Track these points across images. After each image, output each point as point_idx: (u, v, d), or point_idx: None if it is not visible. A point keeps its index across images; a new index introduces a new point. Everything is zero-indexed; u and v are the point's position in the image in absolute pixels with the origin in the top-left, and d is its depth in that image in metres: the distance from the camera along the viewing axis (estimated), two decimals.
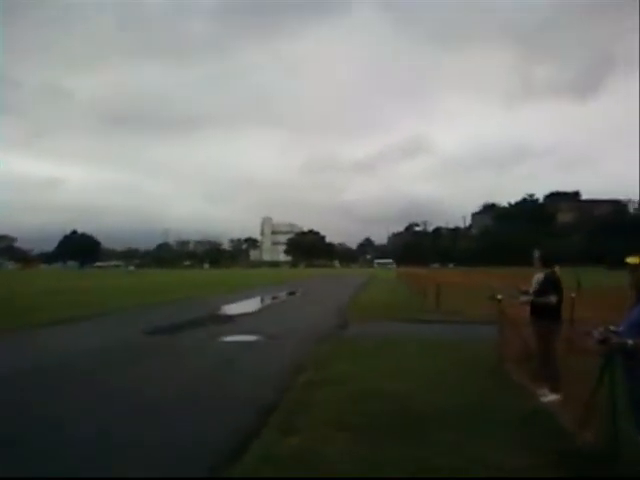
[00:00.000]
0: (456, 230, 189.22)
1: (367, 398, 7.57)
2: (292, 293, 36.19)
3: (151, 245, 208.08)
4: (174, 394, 8.29)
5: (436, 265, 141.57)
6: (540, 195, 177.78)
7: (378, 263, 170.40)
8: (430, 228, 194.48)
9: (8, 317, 18.72)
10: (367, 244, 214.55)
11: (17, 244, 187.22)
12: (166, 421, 6.99)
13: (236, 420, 6.93)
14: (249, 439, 6.04)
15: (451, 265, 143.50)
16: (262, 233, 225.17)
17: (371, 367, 9.78)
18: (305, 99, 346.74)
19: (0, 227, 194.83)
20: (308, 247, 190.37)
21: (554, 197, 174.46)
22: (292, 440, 5.93)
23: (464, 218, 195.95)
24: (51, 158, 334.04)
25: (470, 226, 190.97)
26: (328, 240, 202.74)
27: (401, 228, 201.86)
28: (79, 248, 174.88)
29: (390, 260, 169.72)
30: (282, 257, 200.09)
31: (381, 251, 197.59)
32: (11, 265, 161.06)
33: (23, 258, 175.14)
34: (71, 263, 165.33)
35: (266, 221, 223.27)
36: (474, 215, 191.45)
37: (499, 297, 10.57)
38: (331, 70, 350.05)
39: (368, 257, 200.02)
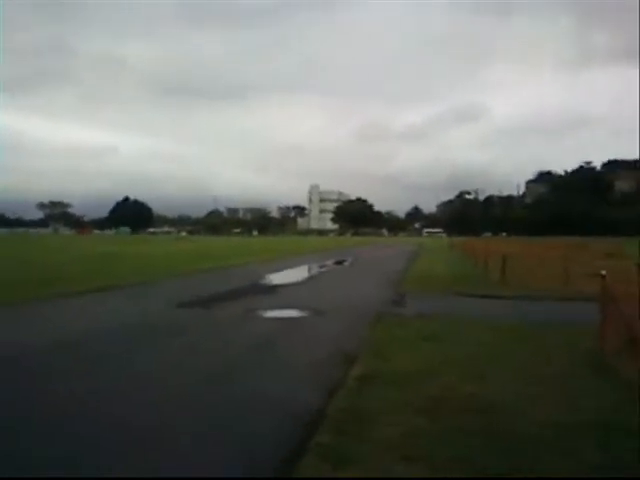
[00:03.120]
0: (509, 199, 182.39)
1: (442, 408, 5.62)
2: (340, 262, 34.38)
3: (201, 212, 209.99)
4: (182, 393, 6.45)
5: (488, 234, 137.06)
6: (598, 163, 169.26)
7: (427, 232, 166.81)
8: (482, 197, 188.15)
9: (51, 283, 17.63)
10: (416, 213, 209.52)
11: (71, 210, 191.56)
12: (152, 445, 5.12)
13: (262, 441, 5.03)
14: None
15: (503, 234, 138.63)
16: (310, 201, 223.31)
17: (440, 357, 7.79)
18: (356, 66, 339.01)
19: (55, 193, 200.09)
20: (355, 215, 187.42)
21: (612, 165, 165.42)
22: (342, 476, 4.09)
23: (518, 186, 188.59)
24: (105, 126, 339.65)
25: (524, 195, 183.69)
26: (376, 208, 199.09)
27: (451, 196, 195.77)
28: (131, 214, 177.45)
29: (440, 229, 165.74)
30: (329, 225, 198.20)
31: (430, 220, 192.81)
32: (66, 231, 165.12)
33: (77, 224, 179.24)
34: (123, 229, 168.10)
35: (314, 189, 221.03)
36: (528, 183, 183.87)
37: (603, 272, 8.43)
38: (383, 37, 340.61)
39: (416, 226, 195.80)
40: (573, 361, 7.72)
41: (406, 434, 4.94)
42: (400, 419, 5.31)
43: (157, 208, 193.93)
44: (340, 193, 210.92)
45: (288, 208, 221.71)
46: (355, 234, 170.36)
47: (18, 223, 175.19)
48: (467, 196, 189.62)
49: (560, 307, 13.46)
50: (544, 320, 11.12)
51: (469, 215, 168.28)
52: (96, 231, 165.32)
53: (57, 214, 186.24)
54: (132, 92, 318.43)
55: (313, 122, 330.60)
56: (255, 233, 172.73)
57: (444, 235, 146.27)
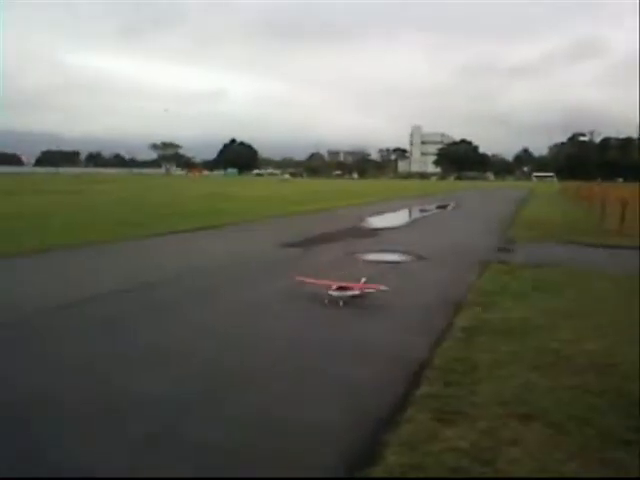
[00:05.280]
0: (628, 141, 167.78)
1: (558, 364, 5.26)
2: (443, 207, 33.44)
3: (303, 155, 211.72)
4: (279, 341, 6.40)
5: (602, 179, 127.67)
6: None
7: (536, 176, 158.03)
8: (597, 138, 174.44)
9: (163, 221, 19.03)
10: (524, 155, 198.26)
11: (181, 151, 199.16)
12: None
13: (367, 390, 4.94)
14: (380, 425, 4.10)
15: (620, 180, 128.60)
16: (411, 143, 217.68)
17: (555, 310, 7.30)
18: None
19: (167, 135, 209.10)
20: (459, 158, 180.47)
21: None
22: (448, 433, 3.91)
23: (638, 128, 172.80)
24: (214, 70, 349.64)
25: None
26: (481, 151, 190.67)
27: (564, 138, 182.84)
28: (238, 156, 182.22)
29: (550, 173, 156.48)
30: (431, 168, 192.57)
31: (540, 163, 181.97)
32: (177, 171, 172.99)
33: (187, 164, 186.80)
34: (231, 170, 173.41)
35: (415, 130, 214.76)
36: None
37: None
38: None
39: (525, 169, 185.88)
40: None
41: (519, 389, 4.66)
42: (512, 373, 5.03)
43: (262, 150, 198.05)
44: (443, 135, 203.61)
45: (388, 150, 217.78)
46: (458, 178, 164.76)
47: (132, 163, 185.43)
48: (581, 138, 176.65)
49: None
50: None
51: (583, 158, 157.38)
52: (205, 172, 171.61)
53: (169, 155, 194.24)
54: (241, 37, 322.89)
55: (417, 62, 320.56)
56: (355, 176, 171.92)
57: (555, 179, 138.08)
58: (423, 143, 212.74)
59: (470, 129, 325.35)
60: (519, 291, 8.46)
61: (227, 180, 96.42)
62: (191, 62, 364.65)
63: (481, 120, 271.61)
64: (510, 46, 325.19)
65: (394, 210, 28.94)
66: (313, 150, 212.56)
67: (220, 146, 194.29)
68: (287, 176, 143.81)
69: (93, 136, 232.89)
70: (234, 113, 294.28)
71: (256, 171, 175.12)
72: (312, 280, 8.28)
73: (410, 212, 28.93)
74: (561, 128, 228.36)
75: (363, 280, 8.22)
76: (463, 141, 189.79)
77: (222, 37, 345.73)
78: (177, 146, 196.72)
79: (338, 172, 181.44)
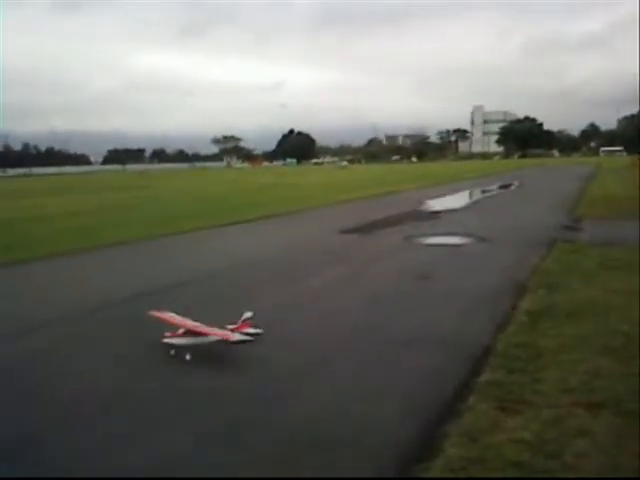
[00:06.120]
0: None
1: (630, 347, 4.91)
2: (505, 186, 32.38)
3: (361, 141, 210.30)
4: (338, 330, 6.39)
5: None
6: None
7: (604, 151, 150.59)
8: None
9: (229, 212, 19.48)
10: (591, 130, 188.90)
11: (242, 144, 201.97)
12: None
13: (427, 377, 4.87)
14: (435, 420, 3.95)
15: None
16: (472, 123, 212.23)
17: (625, 290, 6.85)
18: None
19: (227, 128, 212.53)
20: (522, 136, 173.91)
21: None
22: (511, 423, 3.70)
23: None
24: (270, 63, 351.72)
25: None
26: (546, 127, 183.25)
27: (634, 110, 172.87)
28: (296, 146, 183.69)
29: (619, 148, 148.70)
30: (493, 148, 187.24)
31: (608, 138, 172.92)
32: (238, 164, 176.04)
33: (247, 157, 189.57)
34: (290, 161, 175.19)
35: (477, 110, 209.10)
36: None
37: None
38: None
39: (592, 145, 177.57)
40: None
41: (587, 376, 4.39)
42: (580, 358, 4.75)
43: (319, 139, 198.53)
44: (505, 113, 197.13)
45: (448, 132, 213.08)
46: (522, 156, 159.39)
47: (195, 158, 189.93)
48: None
49: None
50: None
51: None
52: (265, 163, 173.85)
53: (230, 148, 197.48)
54: (295, 28, 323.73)
55: (475, 40, 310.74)
56: (414, 160, 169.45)
57: (624, 154, 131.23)
58: (485, 122, 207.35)
59: (534, 106, 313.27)
60: (586, 271, 8.04)
61: (286, 170, 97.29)
62: (248, 56, 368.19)
63: (545, 96, 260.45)
64: (575, 19, 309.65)
65: (454, 192, 28.29)
66: (371, 136, 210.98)
67: (279, 137, 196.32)
68: (345, 163, 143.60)
69: (156, 133, 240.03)
70: (291, 104, 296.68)
71: (314, 160, 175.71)
72: (167, 317, 5.96)
73: (471, 193, 28.18)
74: (630, 100, 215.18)
75: (245, 316, 5.76)
76: (527, 118, 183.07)
77: (276, 30, 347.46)
78: (238, 139, 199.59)
79: (396, 157, 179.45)
